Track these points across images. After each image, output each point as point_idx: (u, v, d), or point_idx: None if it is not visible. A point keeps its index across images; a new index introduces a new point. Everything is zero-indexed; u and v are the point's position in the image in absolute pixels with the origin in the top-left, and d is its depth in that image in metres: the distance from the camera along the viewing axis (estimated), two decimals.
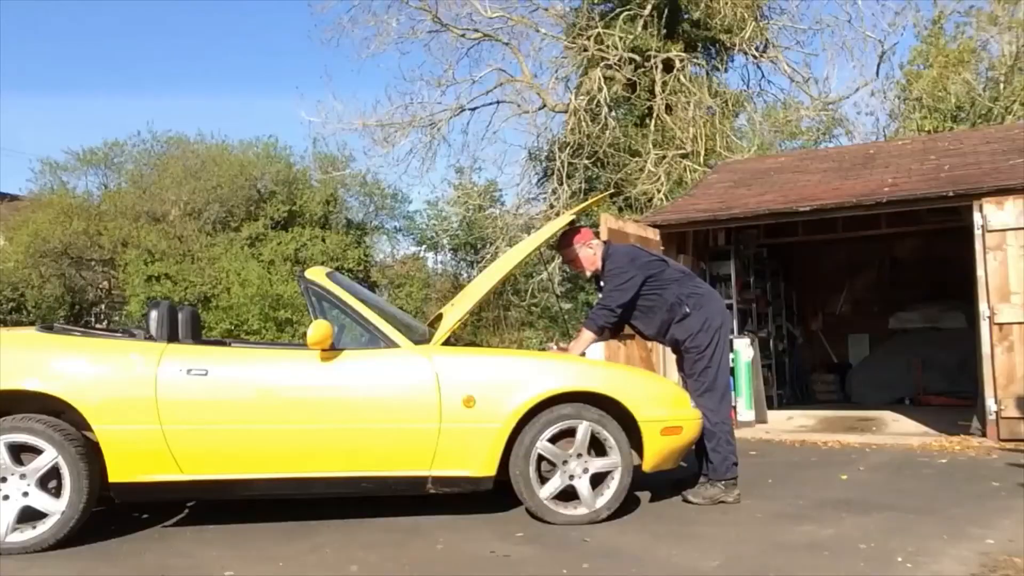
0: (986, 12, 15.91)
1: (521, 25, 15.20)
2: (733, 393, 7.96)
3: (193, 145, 16.43)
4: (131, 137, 17.17)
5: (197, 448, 3.60)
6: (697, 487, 4.24)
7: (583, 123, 13.62)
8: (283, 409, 3.69)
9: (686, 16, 14.34)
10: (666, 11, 13.75)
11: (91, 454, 3.51)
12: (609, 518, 3.83)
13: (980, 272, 6.54)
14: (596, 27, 13.68)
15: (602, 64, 13.65)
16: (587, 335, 4.31)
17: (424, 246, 19.07)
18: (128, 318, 14.02)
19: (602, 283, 4.41)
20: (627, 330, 4.66)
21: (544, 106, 15.25)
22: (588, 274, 4.53)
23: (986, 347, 6.46)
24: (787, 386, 9.87)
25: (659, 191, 13.10)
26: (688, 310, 4.24)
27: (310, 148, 22.81)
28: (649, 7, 13.64)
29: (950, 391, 8.98)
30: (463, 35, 15.36)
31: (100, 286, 16.34)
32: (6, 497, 3.42)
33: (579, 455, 3.84)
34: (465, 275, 18.23)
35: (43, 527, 3.42)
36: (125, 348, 3.71)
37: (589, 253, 4.43)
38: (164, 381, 3.59)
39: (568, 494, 3.85)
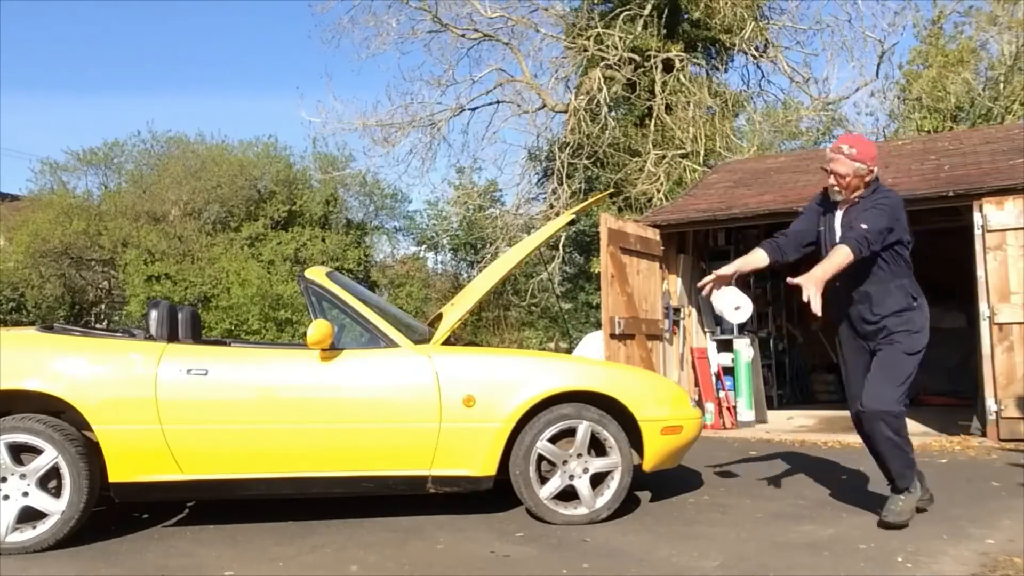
0: (985, 12, 15.93)
1: (521, 25, 15.20)
2: (733, 393, 7.98)
3: (193, 145, 16.44)
4: (131, 137, 17.22)
5: (197, 448, 3.60)
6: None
7: (583, 123, 13.63)
8: (283, 409, 3.69)
9: (686, 16, 14.35)
10: (666, 11, 13.76)
11: (91, 454, 3.51)
12: (609, 518, 3.83)
13: (980, 272, 6.55)
14: (596, 27, 13.69)
15: (602, 64, 13.66)
16: (842, 253, 3.46)
17: (424, 246, 19.07)
18: (128, 318, 14.01)
19: (854, 214, 3.61)
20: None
21: (544, 106, 15.26)
22: (839, 198, 3.68)
23: (986, 347, 6.46)
24: (787, 386, 9.86)
25: (659, 191, 13.10)
26: (915, 303, 3.67)
27: (310, 148, 22.82)
28: (649, 7, 13.64)
29: (950, 391, 8.98)
30: (463, 35, 15.36)
31: (100, 286, 16.35)
32: (6, 497, 3.42)
33: (579, 455, 3.84)
34: (465, 275, 18.23)
35: (43, 527, 3.42)
36: (125, 348, 3.71)
37: (862, 180, 3.64)
38: (164, 381, 3.59)
39: (568, 494, 3.85)
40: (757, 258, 3.84)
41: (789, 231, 3.85)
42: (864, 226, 3.47)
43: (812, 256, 3.72)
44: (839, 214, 3.69)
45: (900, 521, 3.52)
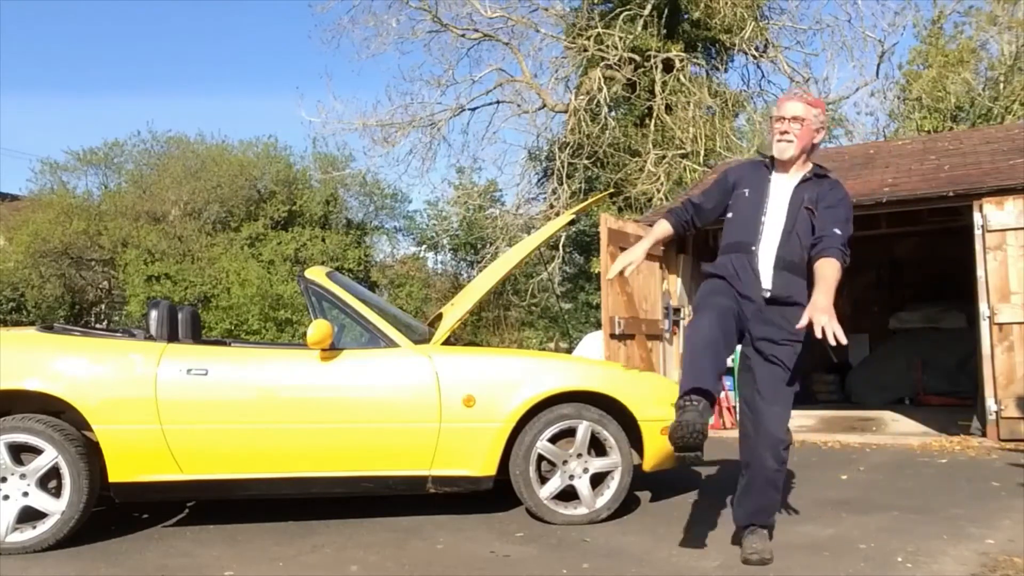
0: (985, 12, 15.93)
1: (521, 25, 15.19)
2: (733, 393, 7.98)
3: (193, 145, 16.44)
4: (131, 137, 17.19)
5: (197, 448, 3.60)
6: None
7: (583, 123, 13.62)
8: (283, 409, 3.69)
9: (686, 16, 14.35)
10: (666, 11, 13.75)
11: (91, 454, 3.51)
12: (609, 518, 3.83)
13: (980, 272, 6.55)
14: (596, 27, 13.68)
15: (602, 64, 13.65)
16: (836, 269, 2.99)
17: (424, 246, 19.07)
18: (128, 318, 14.02)
19: (810, 195, 3.14)
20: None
21: (544, 106, 15.25)
22: (788, 154, 3.14)
23: (986, 347, 6.46)
24: None
25: (659, 191, 13.10)
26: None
27: (310, 148, 22.83)
28: (649, 7, 13.64)
29: (950, 391, 8.98)
30: (463, 35, 15.35)
31: (100, 286, 16.35)
32: (6, 497, 3.42)
33: (579, 455, 3.84)
34: (465, 275, 18.22)
35: (43, 527, 3.42)
36: (125, 348, 3.71)
37: (813, 135, 3.18)
38: (164, 381, 3.59)
39: (568, 494, 3.85)
40: (663, 230, 3.42)
41: (694, 204, 3.39)
42: (838, 232, 3.05)
43: (740, 226, 3.18)
44: (788, 186, 3.17)
45: (765, 560, 3.05)
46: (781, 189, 3.19)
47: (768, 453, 3.12)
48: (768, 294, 3.09)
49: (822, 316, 2.79)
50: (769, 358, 3.09)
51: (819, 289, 2.92)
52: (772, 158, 3.24)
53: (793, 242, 3.10)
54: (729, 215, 3.25)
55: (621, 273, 3.39)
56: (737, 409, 7.91)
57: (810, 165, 3.23)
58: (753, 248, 3.11)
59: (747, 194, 3.21)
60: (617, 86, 13.88)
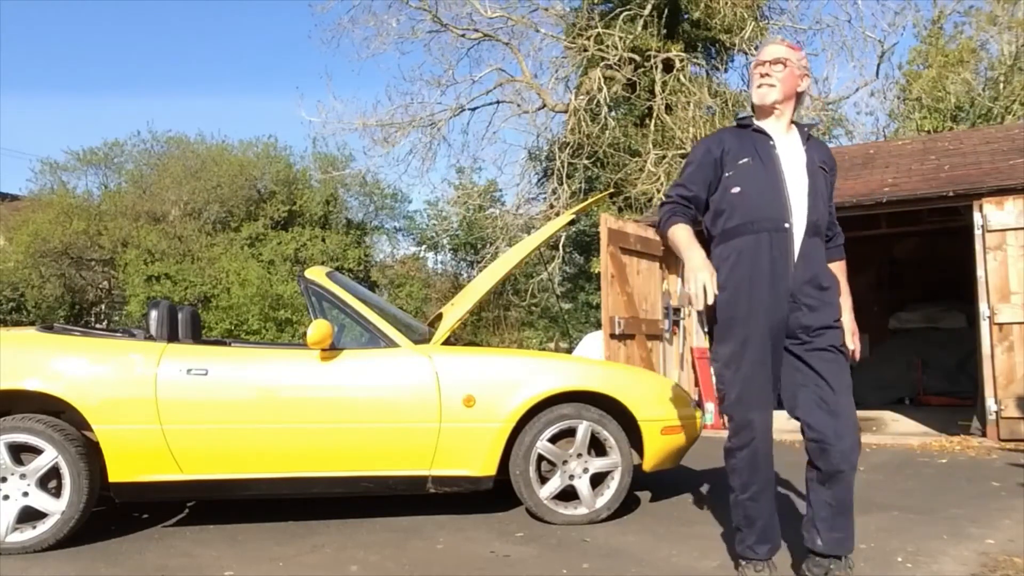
0: (985, 12, 15.94)
1: (521, 25, 15.19)
2: None
3: (193, 145, 16.47)
4: (131, 137, 17.27)
5: (197, 448, 3.60)
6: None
7: (583, 123, 13.62)
8: (283, 409, 3.69)
9: (686, 16, 14.35)
10: (666, 11, 13.75)
11: (91, 454, 3.51)
12: (609, 518, 3.83)
13: (980, 272, 6.55)
14: (596, 27, 13.68)
15: (602, 64, 13.65)
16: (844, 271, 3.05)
17: (424, 246, 19.09)
18: (128, 318, 14.02)
19: (817, 157, 2.89)
20: None
21: (544, 106, 15.25)
22: (771, 99, 2.83)
23: (986, 347, 6.47)
24: None
25: (659, 191, 13.09)
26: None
27: (310, 148, 22.86)
28: (649, 7, 13.64)
29: (950, 391, 8.99)
30: (463, 35, 15.35)
31: (100, 286, 16.36)
32: (6, 497, 3.42)
33: (579, 455, 3.84)
34: (465, 275, 18.24)
35: (43, 527, 3.42)
36: (125, 348, 3.71)
37: (797, 81, 2.86)
38: (164, 381, 3.59)
39: (568, 494, 3.85)
40: (690, 232, 2.91)
41: (688, 199, 2.93)
42: (833, 212, 2.97)
43: (760, 200, 2.79)
44: (797, 147, 2.87)
45: None
46: (792, 151, 2.85)
47: (856, 455, 2.71)
48: (799, 272, 2.77)
49: (856, 337, 2.98)
50: (830, 349, 2.76)
51: (848, 306, 2.96)
52: (753, 122, 2.90)
53: (820, 205, 2.83)
54: (736, 189, 2.82)
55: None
56: None
57: (793, 113, 2.90)
58: (787, 225, 2.75)
59: (751, 163, 2.82)
60: (617, 86, 13.87)
